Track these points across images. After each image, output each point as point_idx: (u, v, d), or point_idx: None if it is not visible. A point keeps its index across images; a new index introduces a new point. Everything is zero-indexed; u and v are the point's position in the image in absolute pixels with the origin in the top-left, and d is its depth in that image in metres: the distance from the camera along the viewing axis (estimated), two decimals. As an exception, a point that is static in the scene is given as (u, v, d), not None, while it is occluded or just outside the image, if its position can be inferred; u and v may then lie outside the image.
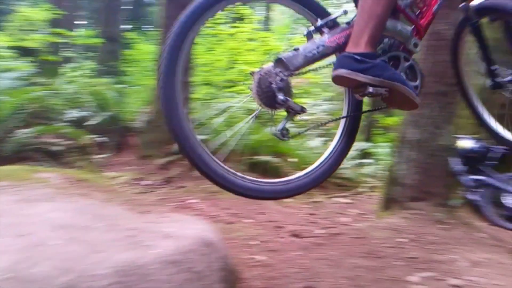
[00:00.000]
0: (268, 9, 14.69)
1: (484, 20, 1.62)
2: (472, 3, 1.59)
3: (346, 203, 4.78)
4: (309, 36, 1.39)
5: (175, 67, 1.23)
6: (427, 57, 3.07)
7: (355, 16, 1.35)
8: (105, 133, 5.03)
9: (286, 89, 1.30)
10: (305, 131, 1.58)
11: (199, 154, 1.26)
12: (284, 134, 1.35)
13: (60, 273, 1.26)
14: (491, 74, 1.69)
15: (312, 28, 1.39)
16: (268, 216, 3.64)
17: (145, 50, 8.14)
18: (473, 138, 4.32)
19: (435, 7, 1.48)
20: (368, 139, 7.83)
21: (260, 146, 5.27)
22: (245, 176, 1.34)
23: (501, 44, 1.67)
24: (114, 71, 8.45)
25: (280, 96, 1.28)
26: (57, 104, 5.24)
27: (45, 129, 4.61)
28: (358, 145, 6.60)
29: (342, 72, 1.27)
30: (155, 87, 4.72)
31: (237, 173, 1.32)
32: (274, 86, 1.27)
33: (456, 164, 4.41)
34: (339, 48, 1.34)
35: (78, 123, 5.01)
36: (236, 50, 8.44)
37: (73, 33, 8.24)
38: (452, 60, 1.83)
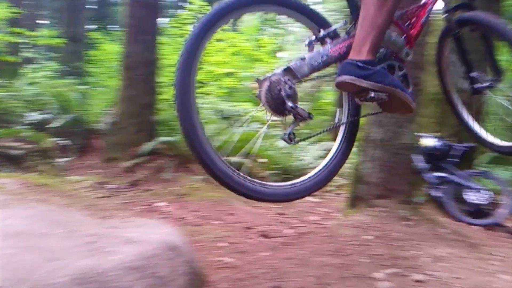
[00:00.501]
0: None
1: (465, 30, 1.73)
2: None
3: (315, 202, 4.82)
4: (310, 45, 1.44)
5: (190, 79, 1.28)
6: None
7: (350, 26, 1.47)
8: (68, 135, 4.87)
9: (294, 96, 1.34)
10: (311, 136, 1.64)
11: (221, 168, 1.29)
12: (291, 138, 1.41)
13: (13, 283, 1.20)
14: (471, 80, 1.78)
15: (313, 37, 1.45)
16: (237, 217, 3.62)
17: (110, 50, 7.95)
18: (436, 137, 4.46)
19: (423, 19, 1.56)
20: (335, 138, 7.93)
21: (228, 147, 5.24)
22: (259, 181, 1.39)
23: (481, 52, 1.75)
24: (78, 72, 8.20)
25: (290, 103, 1.32)
26: (17, 107, 5.03)
27: (4, 133, 4.42)
28: (327, 144, 6.67)
29: (346, 78, 1.35)
30: (121, 88, 4.64)
31: (253, 179, 1.37)
32: (283, 93, 1.32)
33: (419, 162, 4.54)
34: (340, 58, 1.42)
35: (39, 126, 4.83)
36: (204, 50, 8.40)
37: (34, 33, 7.95)
38: (437, 67, 1.91)
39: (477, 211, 4.23)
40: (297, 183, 1.46)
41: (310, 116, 1.39)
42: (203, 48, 1.30)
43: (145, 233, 1.74)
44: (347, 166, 5.75)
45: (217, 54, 8.43)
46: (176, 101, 1.26)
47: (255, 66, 9.62)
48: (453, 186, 4.30)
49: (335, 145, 1.58)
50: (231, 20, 1.37)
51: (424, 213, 3.43)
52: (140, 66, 4.49)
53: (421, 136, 4.55)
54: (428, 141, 4.44)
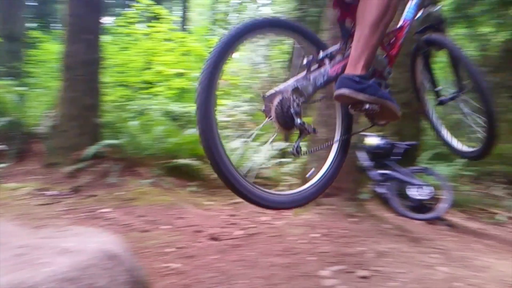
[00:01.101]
0: (185, 9, 14.47)
1: (432, 49, 1.98)
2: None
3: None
4: (308, 65, 1.58)
5: (211, 96, 1.40)
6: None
7: (341, 46, 1.65)
8: (5, 140, 4.57)
9: (301, 113, 1.48)
10: (316, 149, 1.83)
11: (243, 184, 1.41)
12: (298, 151, 1.54)
13: None
14: (436, 93, 2.03)
15: (310, 57, 1.59)
16: (187, 220, 3.54)
17: (51, 50, 7.54)
18: (379, 136, 4.63)
19: (401, 40, 1.74)
20: (287, 138, 8.02)
21: (178, 149, 5.14)
22: (271, 191, 1.52)
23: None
24: (16, 72, 7.72)
25: (299, 120, 1.46)
26: None
27: None
28: (277, 144, 6.72)
29: (345, 91, 1.49)
30: (61, 90, 4.39)
31: (267, 190, 1.49)
32: (293, 111, 1.45)
33: (364, 160, 4.69)
34: (337, 77, 1.56)
35: (-28, 130, 4.50)
36: (152, 50, 8.17)
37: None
38: (412, 82, 2.14)
39: (420, 206, 4.42)
40: (302, 190, 1.62)
41: (314, 131, 1.52)
42: (222, 68, 1.42)
43: (82, 242, 1.65)
44: (298, 166, 5.83)
45: (166, 54, 8.23)
46: (198, 121, 1.36)
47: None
48: (396, 182, 4.47)
49: (330, 156, 1.76)
50: (247, 40, 1.50)
51: (369, 210, 3.53)
52: (81, 66, 4.29)
53: (365, 136, 4.70)
54: (372, 140, 4.59)
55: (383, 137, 4.59)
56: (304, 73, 1.56)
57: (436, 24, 1.95)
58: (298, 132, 1.51)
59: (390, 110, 1.58)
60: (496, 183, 6.72)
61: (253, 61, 9.38)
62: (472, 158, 1.99)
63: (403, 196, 4.48)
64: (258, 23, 1.53)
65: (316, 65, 1.60)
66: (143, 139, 4.94)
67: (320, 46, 1.67)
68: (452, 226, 4.29)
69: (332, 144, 1.76)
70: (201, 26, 14.06)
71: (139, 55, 8.17)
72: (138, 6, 8.61)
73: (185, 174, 4.86)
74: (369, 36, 1.53)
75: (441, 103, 2.01)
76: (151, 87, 7.68)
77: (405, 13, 1.80)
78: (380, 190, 4.52)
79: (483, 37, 8.37)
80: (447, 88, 2.06)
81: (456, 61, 1.94)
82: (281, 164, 6.67)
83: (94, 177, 4.06)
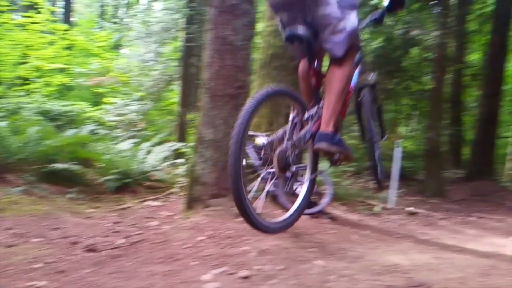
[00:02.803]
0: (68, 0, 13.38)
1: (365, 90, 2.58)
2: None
3: (157, 206, 4.67)
4: (293, 121, 2.11)
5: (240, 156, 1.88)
6: (214, 61, 3.18)
7: (317, 109, 2.16)
8: None
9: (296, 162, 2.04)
10: (294, 189, 2.34)
11: (255, 217, 1.93)
12: (293, 193, 2.15)
13: None
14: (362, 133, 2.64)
15: (296, 115, 2.12)
16: (63, 231, 3.23)
17: None
18: (267, 135, 4.75)
19: (349, 100, 2.28)
20: (181, 138, 7.89)
21: (57, 152, 4.70)
22: (270, 220, 2.06)
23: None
24: None
25: (294, 168, 2.09)
26: None
27: None
28: (169, 145, 6.55)
29: (323, 145, 2.03)
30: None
31: (267, 220, 2.03)
32: (290, 160, 2.05)
33: (254, 159, 4.78)
34: (315, 133, 2.08)
35: None
36: (28, 43, 7.37)
37: None
38: (357, 115, 2.63)
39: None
40: (287, 217, 2.17)
41: (302, 175, 2.19)
42: (249, 128, 1.92)
43: None
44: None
45: (44, 48, 7.51)
46: (230, 170, 1.87)
47: (91, 61, 8.89)
48: (282, 180, 4.63)
49: (303, 190, 2.30)
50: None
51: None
52: None
53: (254, 135, 4.79)
54: (260, 139, 4.69)
55: (270, 136, 4.72)
56: (291, 127, 2.10)
57: (372, 85, 2.58)
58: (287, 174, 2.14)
59: (349, 157, 2.18)
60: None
61: (143, 58, 9.02)
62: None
63: (292, 192, 4.66)
64: (275, 92, 2.05)
65: (300, 123, 2.14)
66: (14, 141, 4.42)
67: (305, 107, 2.16)
68: (333, 219, 4.59)
69: (304, 182, 2.29)
70: (87, 19, 13.13)
71: (13, 48, 7.33)
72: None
73: (64, 180, 4.46)
74: (336, 103, 2.06)
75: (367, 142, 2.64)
76: (27, 84, 6.93)
77: (352, 80, 2.31)
78: (269, 187, 4.64)
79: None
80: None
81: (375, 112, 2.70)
82: (174, 165, 6.52)
83: None
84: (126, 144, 6.43)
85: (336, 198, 5.74)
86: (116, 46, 12.46)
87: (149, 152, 6.28)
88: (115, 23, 12.36)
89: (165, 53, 9.43)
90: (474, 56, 14.32)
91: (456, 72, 12.10)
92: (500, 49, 10.95)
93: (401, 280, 2.22)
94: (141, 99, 9.02)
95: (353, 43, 2.09)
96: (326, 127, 2.04)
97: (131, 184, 5.23)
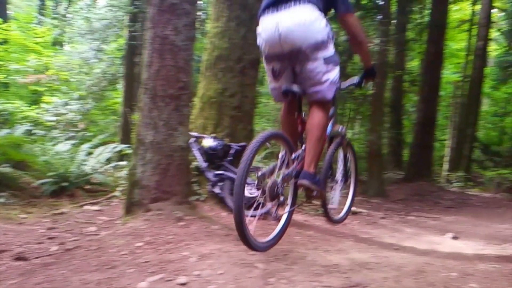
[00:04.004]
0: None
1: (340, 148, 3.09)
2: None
3: (97, 210, 4.47)
4: (282, 158, 2.46)
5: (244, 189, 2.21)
6: (153, 60, 3.09)
7: (302, 151, 2.61)
8: None
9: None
10: (278, 216, 2.65)
11: (252, 240, 2.32)
12: (278, 218, 2.56)
13: None
14: (331, 179, 3.10)
15: (284, 154, 2.49)
16: (-10, 239, 3.00)
17: None
18: (213, 137, 4.71)
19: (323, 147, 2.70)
20: (124, 139, 7.62)
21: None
22: (261, 240, 2.42)
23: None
24: None
25: (282, 197, 2.44)
26: None
27: None
28: (112, 146, 6.30)
29: (306, 182, 2.45)
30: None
31: (258, 240, 2.40)
32: (279, 191, 2.40)
33: (200, 161, 4.72)
34: (300, 171, 2.52)
35: None
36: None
37: None
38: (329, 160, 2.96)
39: (253, 203, 4.64)
40: (272, 238, 2.56)
41: (285, 202, 2.55)
42: (252, 165, 2.19)
43: None
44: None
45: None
46: (235, 203, 2.20)
47: (28, 58, 8.37)
48: (229, 182, 4.62)
49: (283, 218, 2.67)
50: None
51: (199, 212, 3.53)
52: None
53: (202, 137, 4.74)
54: (207, 141, 4.65)
55: (217, 138, 4.69)
56: (281, 163, 2.43)
57: (341, 136, 3.05)
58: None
59: (323, 195, 2.69)
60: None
61: (85, 56, 8.63)
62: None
63: (277, 218, 4.64)
64: (272, 135, 2.42)
65: (287, 161, 2.49)
66: None
67: (292, 149, 2.55)
68: (280, 219, 4.63)
69: (284, 213, 2.65)
70: (25, 13, 12.38)
71: None
72: None
73: (-6, 184, 4.15)
74: (316, 147, 2.48)
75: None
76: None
77: (327, 130, 2.70)
78: (216, 190, 4.61)
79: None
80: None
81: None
82: (117, 167, 6.28)
83: None
84: (65, 146, 6.11)
85: (284, 198, 5.79)
86: (56, 43, 11.84)
87: (89, 153, 6.01)
88: (55, 18, 11.73)
89: (108, 51, 9.08)
90: (413, 63, 15.13)
91: (396, 78, 12.71)
92: (436, 57, 11.64)
93: (339, 281, 2.26)
94: (82, 98, 8.61)
95: (331, 94, 2.54)
96: (309, 168, 2.46)
97: (69, 187, 4.98)
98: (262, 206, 2.50)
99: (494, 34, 17.83)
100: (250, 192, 4.64)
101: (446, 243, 4.73)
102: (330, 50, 2.46)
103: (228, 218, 4.22)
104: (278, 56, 2.47)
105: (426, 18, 12.90)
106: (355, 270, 2.61)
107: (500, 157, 15.60)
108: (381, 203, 7.78)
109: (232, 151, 4.69)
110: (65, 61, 8.74)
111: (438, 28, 11.53)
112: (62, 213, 4.18)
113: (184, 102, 3.19)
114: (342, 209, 3.30)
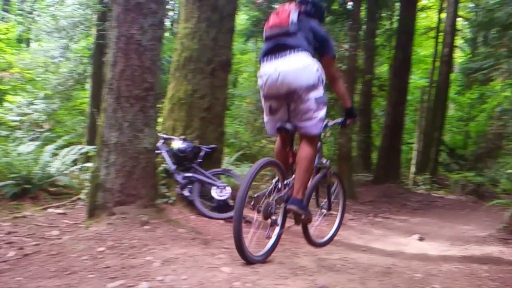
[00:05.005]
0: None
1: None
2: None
3: (60, 213, 4.33)
4: (276, 184, 2.83)
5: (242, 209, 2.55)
6: (118, 60, 3.02)
7: (292, 179, 2.92)
8: None
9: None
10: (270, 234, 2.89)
11: (249, 255, 2.59)
12: (270, 236, 2.84)
13: None
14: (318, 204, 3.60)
15: (277, 180, 2.86)
16: None
17: None
18: (183, 139, 4.65)
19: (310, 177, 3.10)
20: (92, 141, 7.41)
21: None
22: (256, 254, 2.67)
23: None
24: None
25: (274, 217, 2.79)
26: None
27: None
28: (78, 147, 6.11)
29: (294, 207, 2.78)
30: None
31: (255, 254, 2.67)
32: (272, 211, 2.73)
33: (169, 163, 4.65)
34: (290, 196, 2.85)
35: None
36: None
37: None
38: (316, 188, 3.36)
39: (222, 206, 4.61)
40: (266, 251, 2.77)
41: (277, 223, 2.87)
42: (249, 190, 2.53)
43: None
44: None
45: None
46: (234, 221, 2.49)
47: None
48: (198, 184, 4.57)
49: (274, 234, 2.87)
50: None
51: (166, 215, 3.47)
52: None
53: (171, 139, 4.67)
54: (176, 143, 4.59)
55: (186, 140, 4.63)
56: (274, 187, 2.79)
57: (326, 168, 3.40)
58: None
59: (310, 219, 3.03)
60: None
61: (51, 55, 8.36)
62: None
63: (208, 197, 4.61)
64: (268, 162, 2.76)
65: (279, 186, 2.84)
66: None
67: (285, 177, 2.89)
68: (250, 222, 4.60)
69: (274, 234, 2.87)
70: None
71: None
72: None
73: None
74: (304, 177, 2.84)
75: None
76: None
77: (315, 161, 3.09)
78: (185, 192, 4.55)
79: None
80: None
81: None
82: (83, 169, 6.10)
83: None
84: (28, 147, 5.89)
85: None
86: (22, 40, 11.43)
87: (55, 155, 5.81)
88: (20, 15, 11.32)
89: (76, 50, 8.84)
90: (382, 69, 15.47)
91: (365, 82, 12.95)
92: (404, 63, 11.94)
93: (304, 283, 2.26)
94: (47, 98, 8.32)
95: (319, 130, 2.94)
96: (297, 194, 2.79)
97: (32, 190, 4.81)
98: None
99: (459, 41, 18.49)
100: (219, 194, 4.61)
101: (412, 245, 4.84)
102: (320, 92, 2.85)
103: (197, 221, 4.17)
104: (275, 96, 2.87)
105: (395, 25, 13.23)
106: (321, 272, 2.63)
107: (465, 160, 16.13)
108: (350, 205, 7.88)
109: (202, 153, 4.65)
110: (30, 59, 8.44)
111: (406, 34, 11.83)
112: (23, 217, 4.02)
113: (150, 103, 3.12)
114: (327, 233, 3.66)
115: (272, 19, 2.90)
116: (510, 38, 7.97)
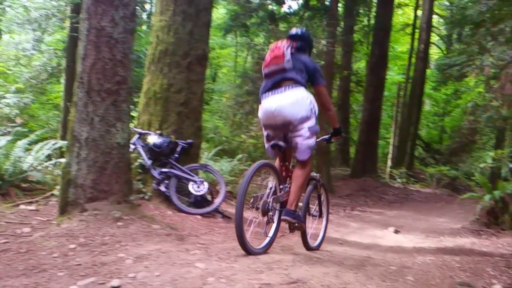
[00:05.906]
0: None
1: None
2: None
3: (32, 210, 4.20)
4: (272, 186, 3.11)
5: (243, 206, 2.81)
6: (89, 53, 2.94)
7: (285, 187, 3.26)
8: None
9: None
10: (267, 232, 3.13)
11: (250, 247, 2.87)
12: (267, 233, 3.10)
13: None
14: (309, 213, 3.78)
15: (274, 184, 3.11)
16: None
17: None
18: (159, 134, 4.58)
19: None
20: (65, 136, 7.23)
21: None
22: (257, 246, 2.98)
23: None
24: None
25: (271, 214, 3.04)
26: None
27: None
28: (52, 142, 5.95)
29: (288, 218, 3.07)
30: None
31: (255, 246, 2.97)
32: (270, 207, 3.00)
33: (145, 158, 4.58)
34: (284, 203, 3.18)
35: None
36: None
37: None
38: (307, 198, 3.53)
39: (199, 201, 4.58)
40: (266, 243, 3.05)
41: (273, 220, 3.11)
42: (247, 191, 2.81)
43: None
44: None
45: None
46: (236, 218, 2.76)
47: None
48: (175, 179, 4.52)
49: (272, 228, 3.15)
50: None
51: (141, 211, 3.41)
52: None
53: (147, 134, 4.60)
54: (152, 138, 4.52)
55: (163, 135, 4.56)
56: (270, 189, 3.06)
57: (317, 180, 3.69)
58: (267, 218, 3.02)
59: (303, 227, 3.30)
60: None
61: (23, 47, 8.09)
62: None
63: (186, 192, 4.56)
64: (265, 164, 3.03)
65: (275, 189, 3.12)
66: None
67: (281, 181, 3.22)
68: (228, 217, 4.59)
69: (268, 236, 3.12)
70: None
71: None
72: None
73: None
74: (298, 191, 3.17)
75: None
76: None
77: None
78: (162, 188, 4.50)
79: (257, 46, 9.41)
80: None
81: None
82: (57, 165, 5.95)
83: None
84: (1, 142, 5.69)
85: (233, 196, 5.76)
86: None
87: (28, 150, 5.64)
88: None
89: (49, 43, 8.58)
90: (360, 64, 15.63)
91: (343, 78, 13.05)
92: (380, 59, 12.08)
93: (279, 278, 2.26)
94: (19, 91, 8.07)
95: (308, 156, 3.23)
96: (290, 206, 3.11)
97: (3, 186, 4.66)
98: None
99: (434, 38, 18.83)
100: (196, 190, 4.58)
101: (388, 237, 4.92)
102: (313, 122, 3.21)
103: (173, 217, 4.12)
104: (273, 126, 3.24)
105: (372, 21, 13.37)
106: (296, 266, 2.63)
107: (440, 155, 16.49)
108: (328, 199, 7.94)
109: (179, 149, 4.59)
110: (1, 51, 8.14)
111: (383, 31, 11.97)
112: (-7, 215, 3.89)
113: (123, 97, 3.05)
114: (318, 238, 3.82)
115: (269, 57, 3.25)
116: (482, 35, 8.16)
